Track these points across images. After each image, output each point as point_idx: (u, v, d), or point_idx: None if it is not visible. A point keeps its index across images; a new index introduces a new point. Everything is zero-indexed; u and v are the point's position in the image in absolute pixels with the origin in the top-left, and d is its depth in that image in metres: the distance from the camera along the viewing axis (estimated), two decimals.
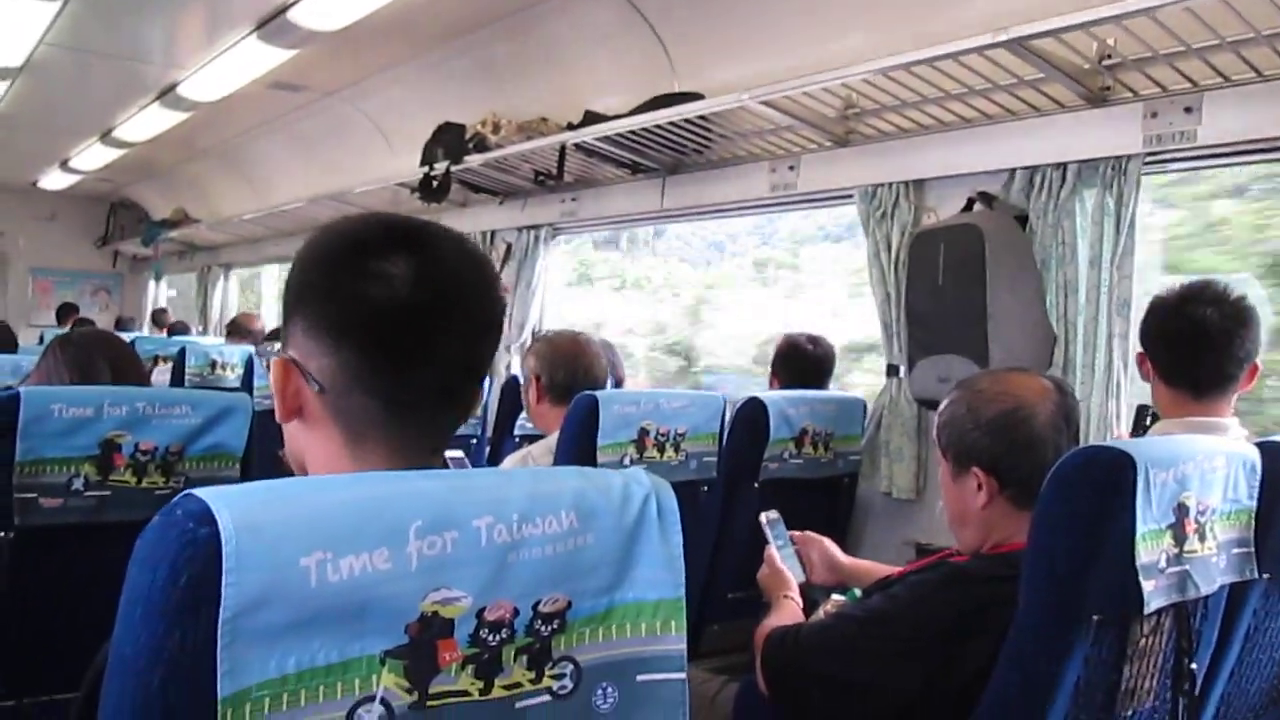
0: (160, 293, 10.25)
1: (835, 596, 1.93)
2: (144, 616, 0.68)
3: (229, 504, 0.69)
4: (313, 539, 0.71)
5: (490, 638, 0.79)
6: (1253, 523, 1.63)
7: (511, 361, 4.72)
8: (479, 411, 4.11)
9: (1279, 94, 2.22)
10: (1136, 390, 2.48)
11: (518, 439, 3.67)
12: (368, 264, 0.94)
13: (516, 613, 0.80)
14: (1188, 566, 1.49)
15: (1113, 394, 2.49)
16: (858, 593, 1.88)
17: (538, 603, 0.81)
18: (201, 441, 1.86)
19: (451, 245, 0.99)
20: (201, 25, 4.44)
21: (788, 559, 2.06)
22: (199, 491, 0.70)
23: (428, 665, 0.76)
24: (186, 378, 4.89)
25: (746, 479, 2.68)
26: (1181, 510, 1.48)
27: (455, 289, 0.97)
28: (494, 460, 3.71)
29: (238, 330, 5.72)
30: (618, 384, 3.76)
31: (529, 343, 4.50)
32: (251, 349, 5.08)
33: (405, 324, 0.93)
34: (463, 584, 0.77)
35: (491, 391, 4.27)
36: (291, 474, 1.01)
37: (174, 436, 1.82)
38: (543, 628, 0.82)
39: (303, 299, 0.97)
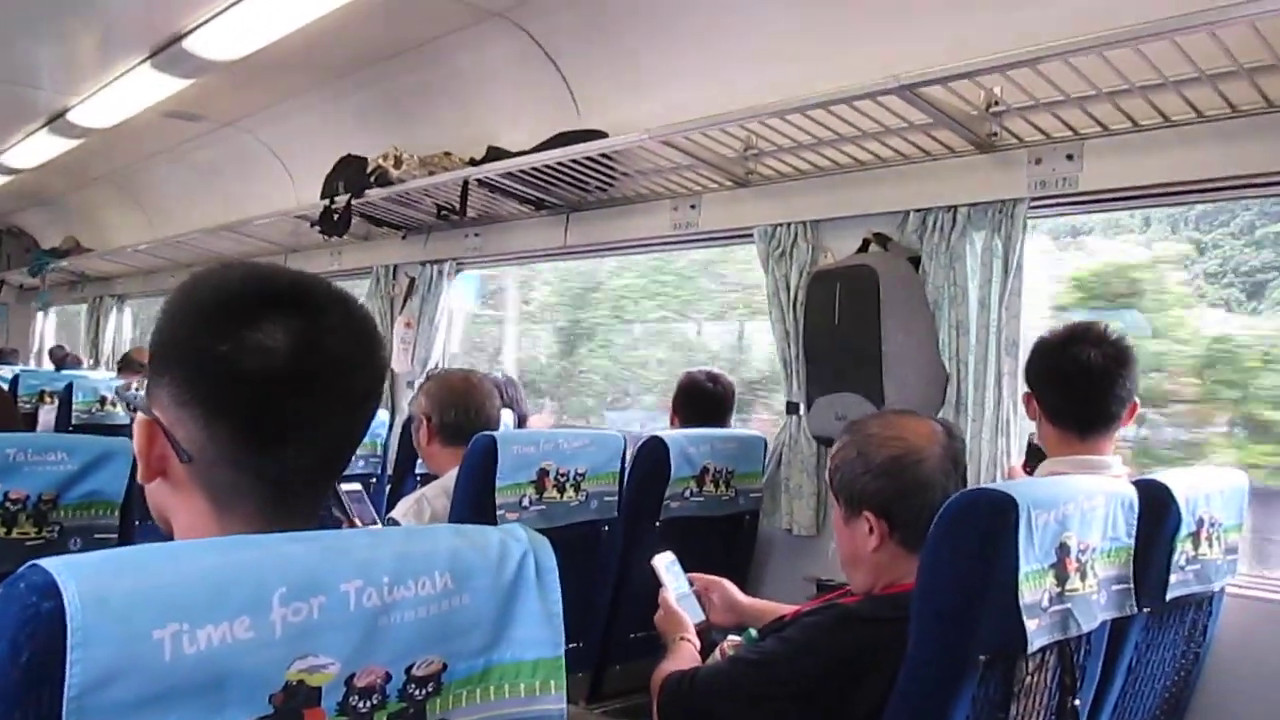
0: (48, 325, 9.87)
1: (732, 637, 1.93)
2: None
3: (76, 575, 0.66)
4: (167, 610, 0.68)
5: (360, 704, 0.77)
6: (1131, 559, 1.68)
7: (414, 398, 4.65)
8: (379, 449, 4.04)
9: (1153, 143, 2.31)
10: (1028, 427, 2.55)
11: (419, 477, 3.61)
12: (242, 332, 0.88)
13: (389, 677, 0.78)
14: (1069, 604, 1.53)
15: (1002, 431, 2.56)
16: (754, 633, 1.88)
17: (411, 666, 0.79)
18: (78, 489, 1.78)
19: (337, 311, 0.93)
20: (93, 51, 4.31)
21: (684, 600, 2.05)
22: (45, 562, 0.67)
23: None
24: (74, 414, 4.70)
25: (648, 518, 2.67)
26: (1063, 550, 1.52)
27: (335, 362, 0.91)
28: (393, 500, 3.64)
29: (130, 365, 5.50)
30: (521, 421, 3.74)
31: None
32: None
33: (279, 401, 0.89)
34: (330, 650, 0.75)
35: (392, 430, 4.20)
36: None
37: (47, 484, 1.74)
38: (416, 691, 0.80)
39: (172, 361, 0.91)
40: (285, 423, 0.90)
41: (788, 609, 2.02)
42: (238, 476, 0.91)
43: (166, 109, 4.86)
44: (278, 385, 0.88)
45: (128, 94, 4.58)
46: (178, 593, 0.69)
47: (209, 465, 0.91)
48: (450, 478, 2.42)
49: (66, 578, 0.66)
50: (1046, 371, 2.12)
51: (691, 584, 2.12)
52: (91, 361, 7.88)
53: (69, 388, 4.81)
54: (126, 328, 8.30)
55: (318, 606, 0.74)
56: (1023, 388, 2.35)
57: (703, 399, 3.19)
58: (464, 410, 2.57)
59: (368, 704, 0.77)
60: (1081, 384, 2.06)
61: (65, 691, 0.65)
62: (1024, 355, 2.48)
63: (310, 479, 0.95)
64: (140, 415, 0.93)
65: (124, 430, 4.28)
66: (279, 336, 0.88)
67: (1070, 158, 2.44)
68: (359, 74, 4.36)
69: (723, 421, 3.18)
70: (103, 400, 4.83)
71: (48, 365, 8.00)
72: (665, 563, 2.10)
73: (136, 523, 1.86)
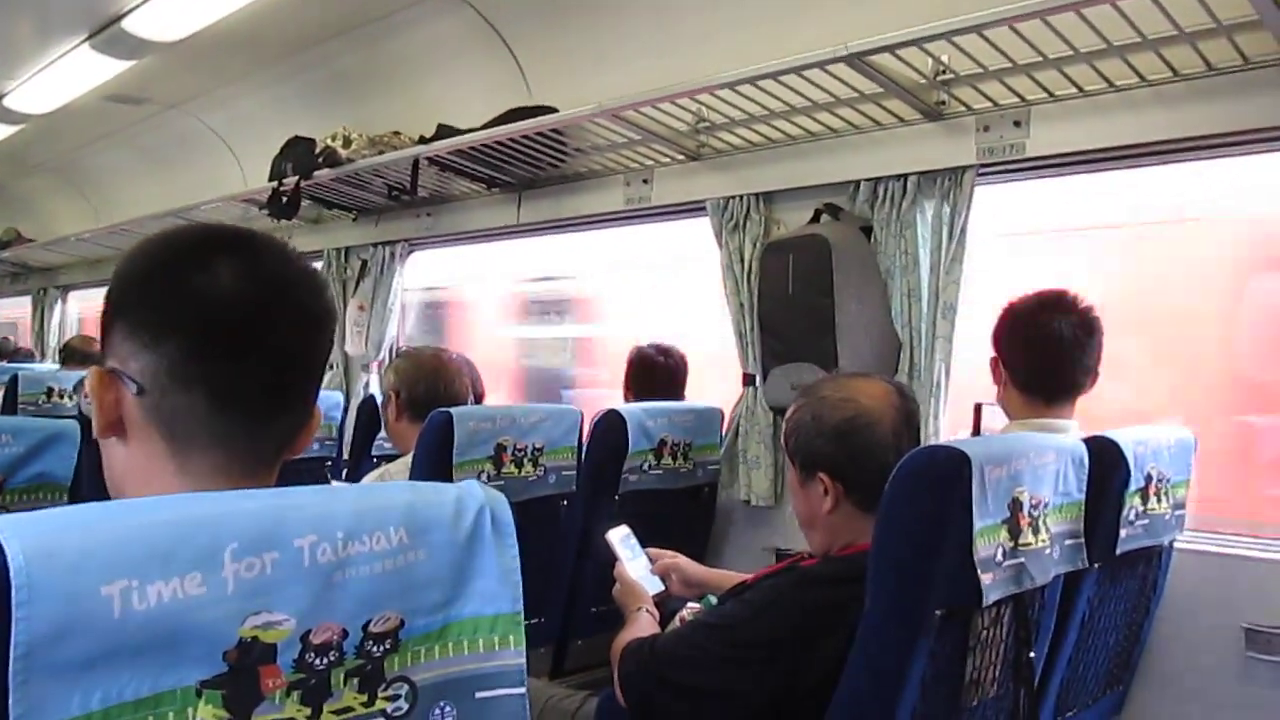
0: None
1: (691, 604, 1.94)
2: None
3: (19, 532, 0.65)
4: (116, 566, 0.67)
5: (317, 661, 0.76)
6: (1082, 515, 1.71)
7: (370, 380, 4.62)
8: (334, 432, 4.01)
9: (1099, 109, 2.34)
10: (965, 390, 2.57)
11: (375, 459, 3.59)
12: (189, 263, 0.92)
13: (345, 634, 0.78)
14: (1023, 559, 1.56)
15: (934, 394, 2.57)
16: (713, 599, 1.89)
17: (368, 623, 0.79)
18: (24, 471, 1.73)
19: (275, 249, 0.97)
20: (29, 33, 4.20)
21: (640, 571, 2.06)
22: None
23: (249, 693, 0.73)
24: (20, 407, 4.60)
25: (607, 491, 2.67)
26: (1015, 505, 1.54)
27: (280, 282, 0.95)
28: (352, 482, 3.61)
29: (74, 355, 5.34)
30: (479, 399, 3.72)
31: (387, 360, 4.42)
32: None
33: (230, 314, 0.90)
34: (285, 606, 0.74)
35: (348, 412, 4.17)
36: None
37: None
38: (374, 648, 0.79)
39: (122, 306, 0.93)
40: (234, 335, 0.90)
41: (747, 577, 2.03)
42: (191, 399, 0.89)
43: (108, 93, 4.77)
44: (224, 299, 0.90)
45: (67, 77, 4.49)
46: (126, 548, 0.68)
47: (161, 392, 0.90)
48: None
49: (9, 534, 0.64)
50: (1016, 339, 2.14)
51: (652, 560, 2.12)
52: (38, 354, 7.72)
53: (14, 379, 4.70)
54: (72, 318, 8.14)
55: (270, 562, 0.73)
56: (966, 352, 2.36)
57: (654, 372, 3.18)
58: (433, 387, 2.57)
59: (324, 661, 0.76)
60: (1051, 353, 2.08)
61: (11, 650, 0.63)
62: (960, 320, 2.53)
63: (267, 403, 0.94)
64: (94, 369, 0.92)
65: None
66: (223, 262, 0.91)
67: (1017, 124, 2.46)
68: (305, 54, 4.30)
69: (676, 395, 3.18)
70: (49, 391, 4.73)
71: None
72: (620, 536, 2.11)
73: None
